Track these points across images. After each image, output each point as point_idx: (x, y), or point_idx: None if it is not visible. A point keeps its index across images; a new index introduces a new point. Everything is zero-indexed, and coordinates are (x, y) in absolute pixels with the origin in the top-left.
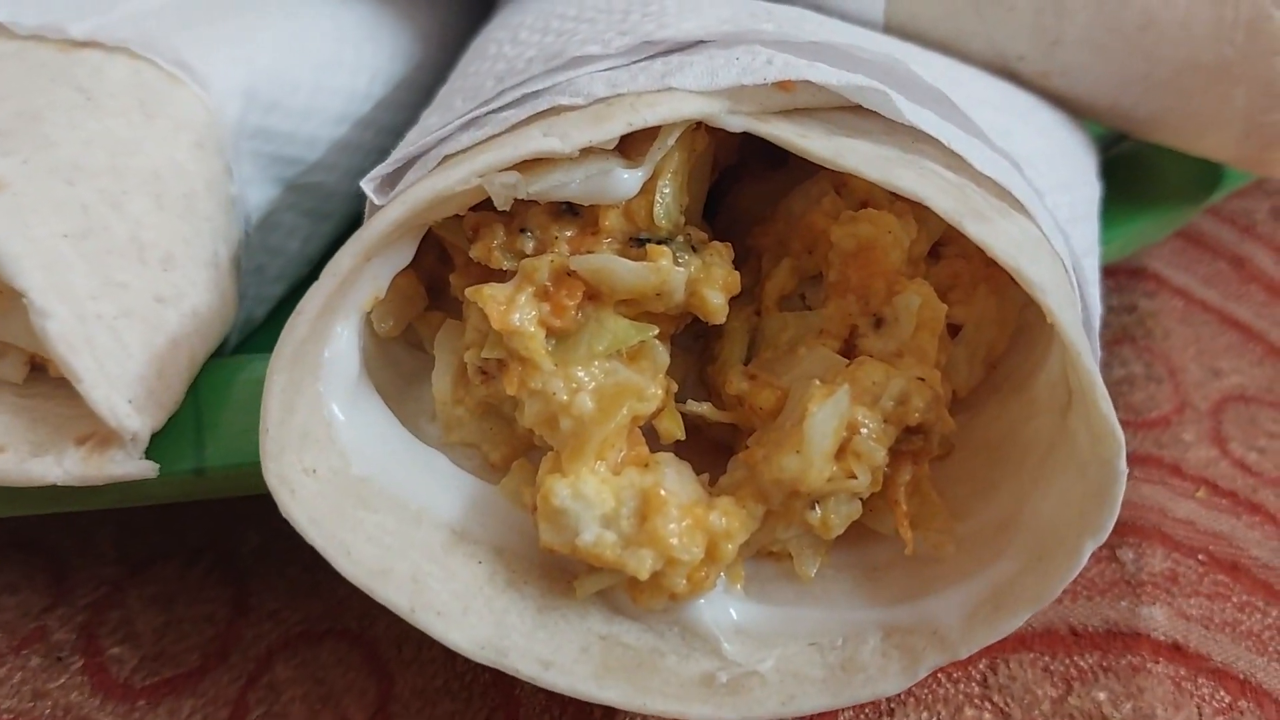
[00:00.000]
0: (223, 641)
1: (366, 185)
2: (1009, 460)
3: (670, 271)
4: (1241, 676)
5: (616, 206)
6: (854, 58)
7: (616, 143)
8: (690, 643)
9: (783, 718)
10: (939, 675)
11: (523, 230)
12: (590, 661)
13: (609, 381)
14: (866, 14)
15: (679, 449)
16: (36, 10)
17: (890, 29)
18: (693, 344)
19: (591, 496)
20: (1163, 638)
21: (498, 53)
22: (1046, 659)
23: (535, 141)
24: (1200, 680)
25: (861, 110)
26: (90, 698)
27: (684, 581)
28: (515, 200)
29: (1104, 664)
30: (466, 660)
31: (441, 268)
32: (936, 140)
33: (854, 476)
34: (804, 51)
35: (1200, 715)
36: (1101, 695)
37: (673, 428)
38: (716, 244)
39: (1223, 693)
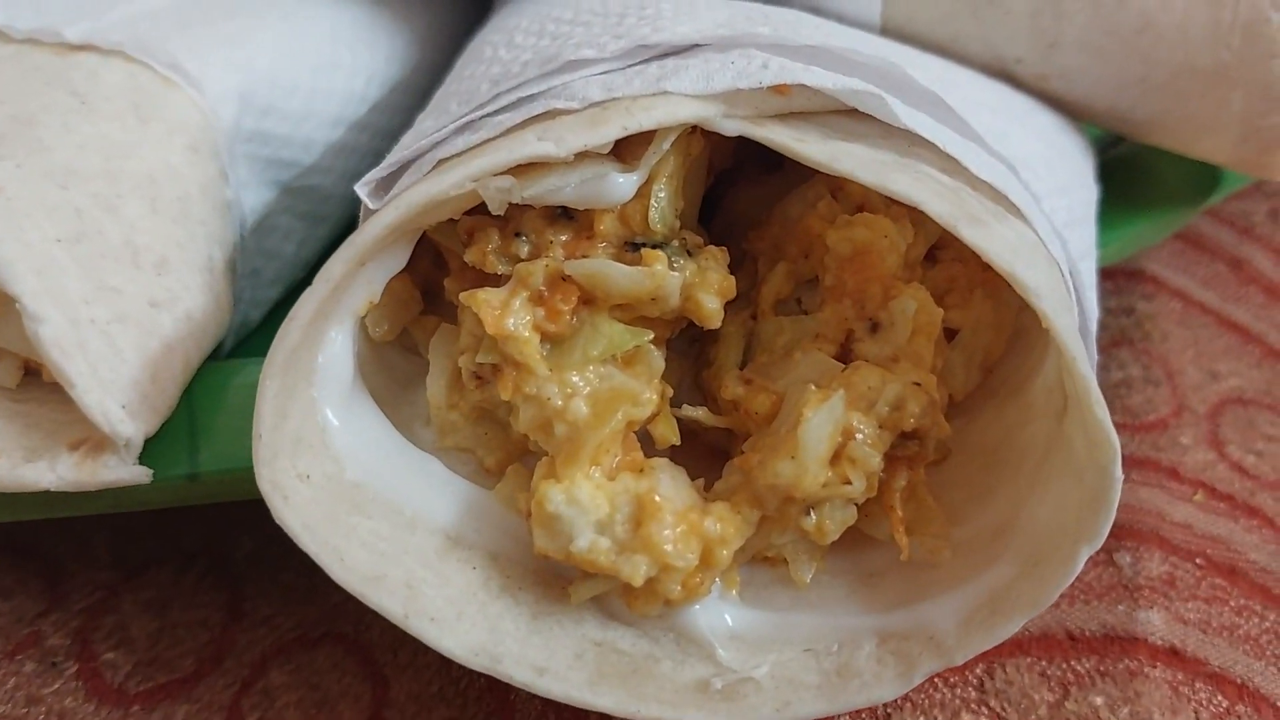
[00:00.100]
0: (217, 647)
1: (361, 189)
2: (1005, 465)
3: (665, 276)
4: (1239, 681)
5: (612, 211)
6: (850, 61)
7: (611, 147)
8: (685, 649)
9: None
10: (935, 680)
11: (518, 234)
12: (585, 668)
13: (604, 386)
14: (863, 17)
15: (674, 454)
16: (32, 13)
17: (887, 32)
18: (688, 348)
19: (586, 502)
20: (1160, 642)
21: (493, 56)
22: (1043, 663)
23: (530, 146)
24: (1198, 684)
25: (858, 114)
26: (84, 703)
27: (679, 587)
28: (510, 204)
29: (1101, 668)
30: (462, 665)
31: (437, 271)
32: (932, 144)
33: (849, 482)
34: (800, 55)
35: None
36: (1098, 700)
37: (668, 433)
38: (712, 248)
39: (1220, 697)
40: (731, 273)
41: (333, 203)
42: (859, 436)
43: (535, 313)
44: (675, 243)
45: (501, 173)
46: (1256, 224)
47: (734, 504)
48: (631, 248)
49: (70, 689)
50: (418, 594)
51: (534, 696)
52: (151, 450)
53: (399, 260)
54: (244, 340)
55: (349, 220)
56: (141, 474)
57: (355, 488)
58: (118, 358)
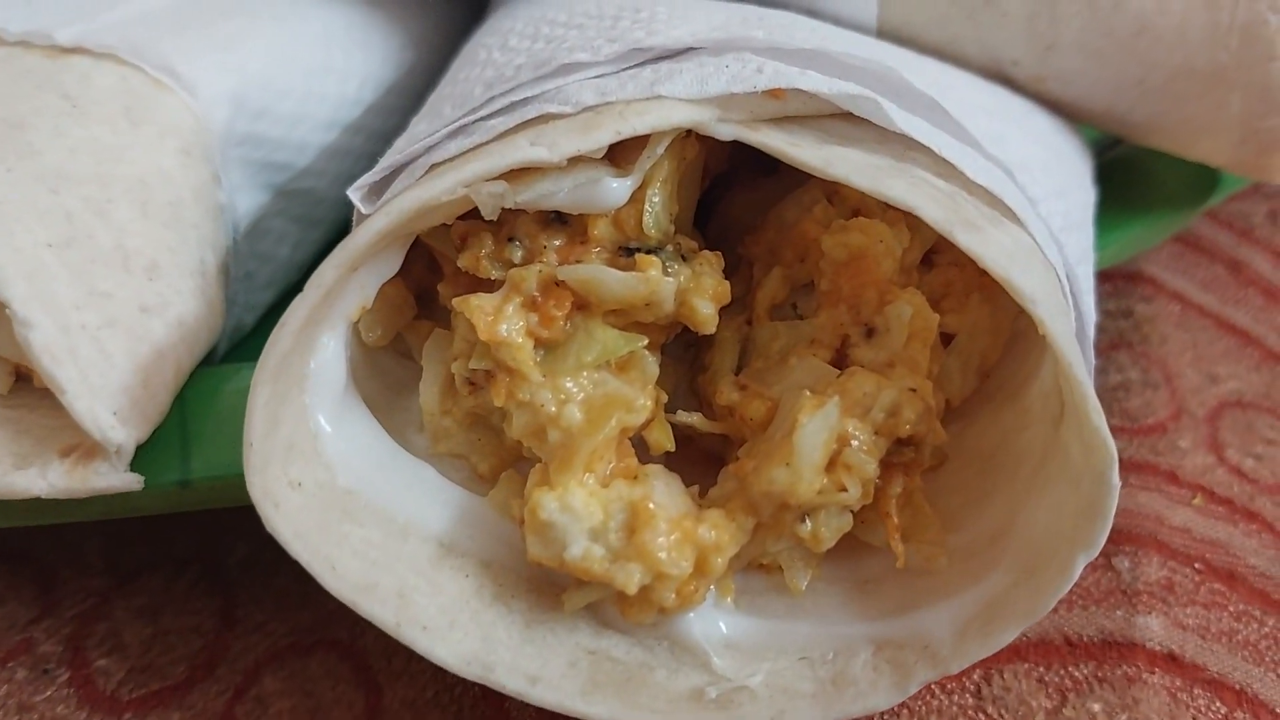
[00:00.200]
0: (210, 653)
1: (353, 194)
2: (1002, 470)
3: (659, 282)
4: (1238, 687)
5: (606, 215)
6: (845, 65)
7: (605, 151)
8: (679, 657)
9: None
10: (932, 687)
11: (511, 239)
12: (578, 676)
13: (598, 393)
14: (860, 19)
15: (669, 459)
16: (24, 15)
17: (883, 34)
18: (683, 353)
19: (579, 510)
20: (1158, 648)
21: (487, 59)
22: (1041, 669)
23: (523, 151)
24: (1196, 691)
25: (853, 118)
26: (77, 710)
27: (673, 595)
28: (504, 209)
29: (1099, 674)
30: None
31: (431, 276)
32: (928, 148)
33: (844, 489)
34: (795, 59)
35: None
36: (1096, 706)
37: (662, 439)
38: (707, 253)
39: (1219, 704)
40: (727, 277)
41: (327, 205)
42: (854, 443)
43: (529, 318)
44: (670, 248)
45: (494, 178)
46: (1256, 226)
47: (729, 511)
48: (626, 253)
49: (62, 696)
50: (410, 602)
51: (529, 705)
52: (143, 456)
53: (392, 265)
54: (238, 344)
55: (344, 223)
56: (133, 481)
57: (348, 495)
58: (108, 363)
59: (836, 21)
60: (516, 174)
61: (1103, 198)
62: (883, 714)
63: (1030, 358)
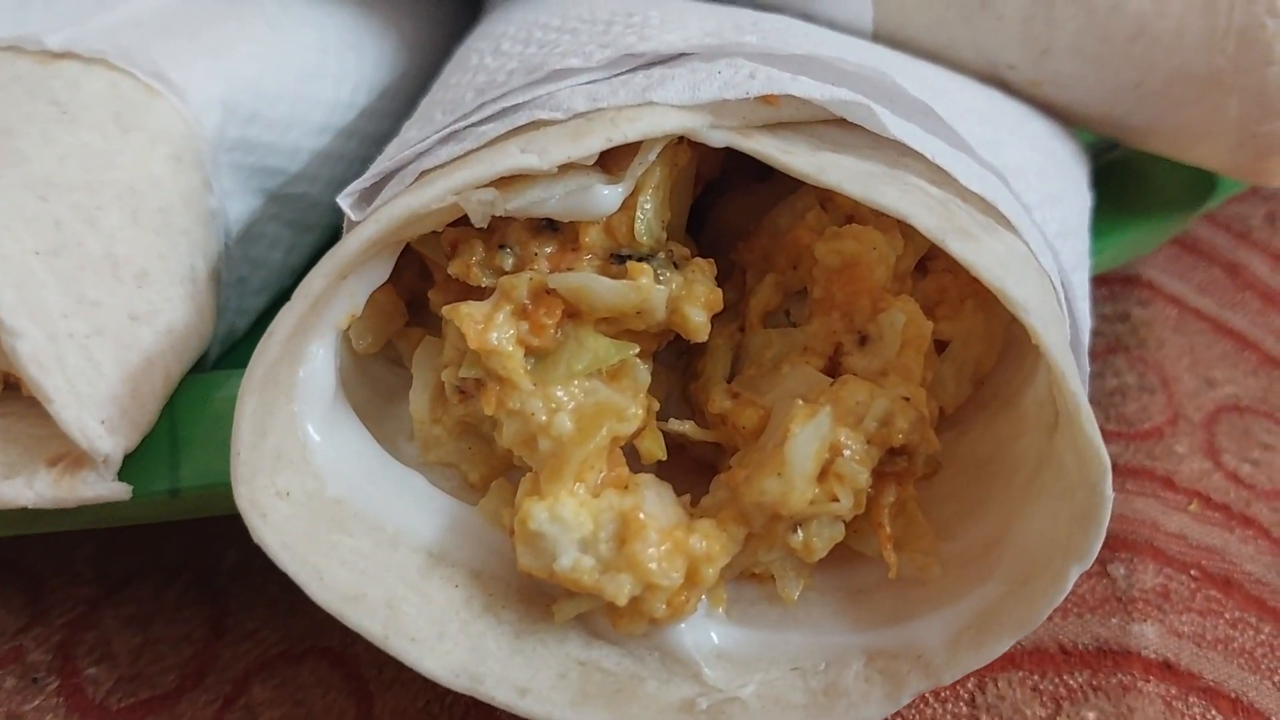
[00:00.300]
0: (200, 662)
1: (343, 200)
2: (997, 478)
3: (651, 289)
4: (1233, 695)
5: (597, 223)
6: (838, 70)
7: (596, 158)
8: (670, 668)
9: None
10: (926, 695)
11: (502, 246)
12: (568, 688)
13: (589, 401)
14: (855, 23)
15: (661, 468)
16: (13, 21)
17: (879, 38)
18: (676, 360)
19: (570, 520)
20: (1154, 656)
21: (479, 64)
22: (1035, 678)
23: (513, 158)
24: (1191, 699)
25: (847, 124)
26: (66, 719)
27: (664, 606)
28: (494, 216)
29: (1094, 683)
30: None
31: (422, 283)
32: (921, 155)
33: (836, 499)
34: (788, 64)
35: None
36: (1091, 715)
37: (654, 448)
38: (699, 260)
39: (1214, 712)
40: (720, 284)
41: (320, 210)
42: (847, 453)
43: (519, 326)
44: (662, 255)
45: (484, 185)
46: (1253, 229)
47: (720, 521)
48: (617, 260)
49: (52, 705)
50: (398, 613)
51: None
52: (132, 465)
53: (382, 273)
54: (231, 349)
55: (337, 227)
56: (121, 490)
57: (336, 504)
58: (96, 372)
59: (832, 25)
60: (507, 181)
61: (1099, 201)
62: None
63: (1025, 364)
